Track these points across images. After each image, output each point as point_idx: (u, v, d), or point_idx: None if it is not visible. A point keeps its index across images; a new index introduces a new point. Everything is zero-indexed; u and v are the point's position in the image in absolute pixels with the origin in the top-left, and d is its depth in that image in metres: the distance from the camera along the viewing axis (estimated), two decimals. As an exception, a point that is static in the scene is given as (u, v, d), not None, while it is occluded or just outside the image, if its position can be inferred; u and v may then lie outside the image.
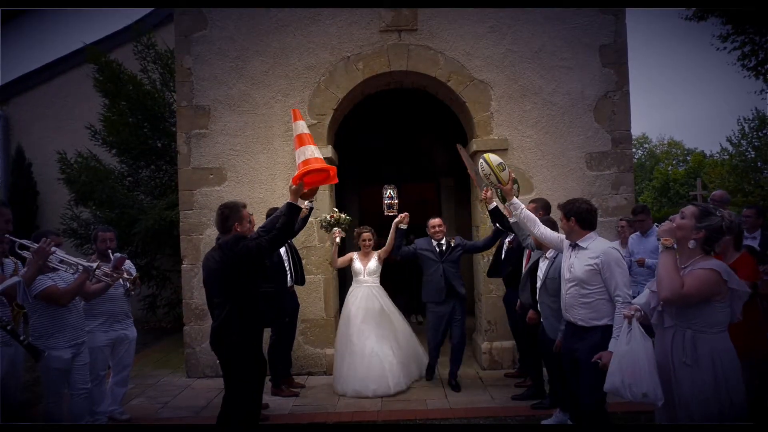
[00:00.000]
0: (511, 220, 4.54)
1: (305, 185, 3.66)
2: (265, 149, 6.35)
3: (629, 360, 2.78)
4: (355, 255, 5.83)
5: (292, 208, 3.54)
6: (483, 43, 6.33)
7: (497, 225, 5.20)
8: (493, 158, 4.20)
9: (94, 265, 3.86)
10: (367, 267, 5.71)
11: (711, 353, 2.60)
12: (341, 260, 5.84)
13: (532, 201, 5.28)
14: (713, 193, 6.69)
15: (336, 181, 4.13)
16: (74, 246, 8.79)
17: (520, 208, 4.06)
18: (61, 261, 3.76)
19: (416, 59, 6.31)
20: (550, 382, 4.78)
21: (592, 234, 3.64)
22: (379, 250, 5.76)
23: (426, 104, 8.06)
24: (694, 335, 2.62)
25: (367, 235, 5.85)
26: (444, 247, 5.55)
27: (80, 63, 10.17)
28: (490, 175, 4.18)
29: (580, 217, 3.61)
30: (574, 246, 3.65)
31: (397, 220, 5.51)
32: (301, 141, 3.84)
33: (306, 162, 3.73)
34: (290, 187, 3.60)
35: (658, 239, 2.76)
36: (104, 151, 9.22)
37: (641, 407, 4.52)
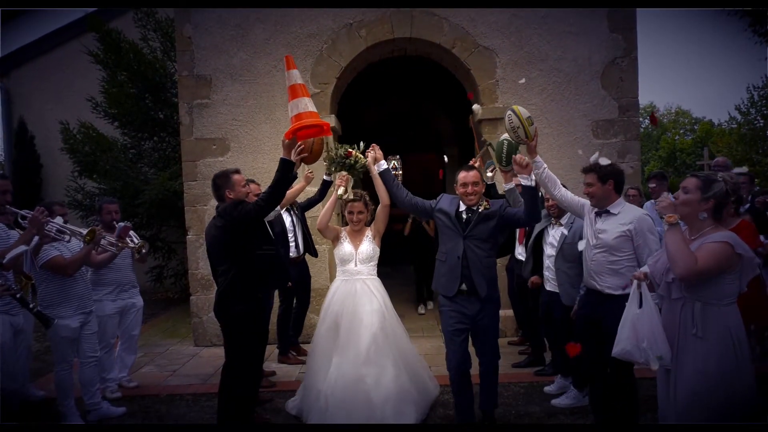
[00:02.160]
0: (506, 186, 4.18)
1: (298, 139, 3.62)
2: (268, 119, 6.29)
3: (645, 322, 2.72)
4: (343, 232, 4.26)
5: (285, 164, 3.51)
6: (488, 8, 6.18)
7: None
8: (523, 111, 3.88)
9: (84, 231, 3.85)
10: (359, 251, 4.14)
11: (725, 326, 2.55)
12: (331, 225, 4.33)
13: None
14: (715, 159, 6.62)
15: (330, 134, 4.08)
16: (79, 218, 8.83)
17: (543, 167, 3.83)
18: (59, 230, 3.74)
19: (420, 25, 6.19)
20: (551, 349, 4.82)
21: (621, 200, 3.53)
22: (373, 224, 4.28)
23: (429, 73, 7.94)
24: (704, 307, 2.57)
25: (357, 205, 4.21)
26: (472, 216, 3.73)
27: (80, 33, 10.02)
28: (518, 128, 3.85)
29: (618, 179, 3.47)
30: (603, 212, 3.51)
31: (369, 159, 4.01)
32: (294, 92, 3.76)
33: (299, 116, 3.66)
34: (283, 141, 3.55)
35: (661, 217, 2.67)
36: (107, 123, 9.17)
37: (646, 373, 4.57)
